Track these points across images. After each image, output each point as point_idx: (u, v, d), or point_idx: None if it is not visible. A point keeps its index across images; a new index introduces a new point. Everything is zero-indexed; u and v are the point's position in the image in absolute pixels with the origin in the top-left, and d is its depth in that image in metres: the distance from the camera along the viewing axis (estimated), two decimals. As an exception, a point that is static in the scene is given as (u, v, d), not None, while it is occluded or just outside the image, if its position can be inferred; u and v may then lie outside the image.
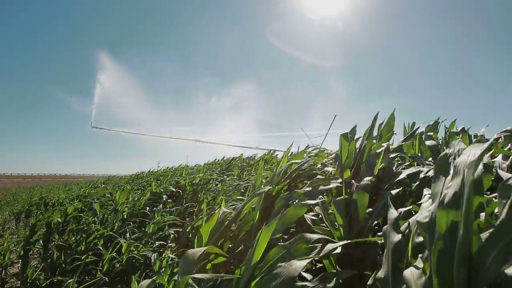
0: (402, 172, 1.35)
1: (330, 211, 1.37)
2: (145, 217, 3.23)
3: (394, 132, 1.92)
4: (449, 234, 0.55)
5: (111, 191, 5.07)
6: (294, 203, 1.41)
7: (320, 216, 1.40)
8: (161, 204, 3.44)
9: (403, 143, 1.89)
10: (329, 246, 0.98)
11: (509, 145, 1.76)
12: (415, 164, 1.78)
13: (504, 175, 1.04)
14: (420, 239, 0.74)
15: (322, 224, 1.39)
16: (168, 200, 3.78)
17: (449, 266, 0.54)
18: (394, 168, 1.62)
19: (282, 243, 1.06)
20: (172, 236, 2.61)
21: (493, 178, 1.16)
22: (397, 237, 0.75)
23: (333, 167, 2.03)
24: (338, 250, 0.97)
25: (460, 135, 2.01)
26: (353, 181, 1.43)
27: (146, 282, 1.17)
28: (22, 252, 2.74)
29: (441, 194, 0.61)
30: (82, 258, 2.47)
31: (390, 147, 1.78)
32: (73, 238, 3.00)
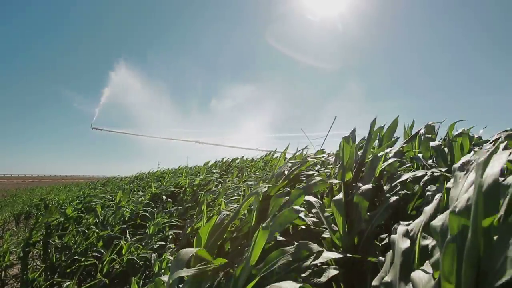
0: (404, 175, 1.35)
1: (328, 213, 1.37)
2: (145, 218, 3.22)
3: (397, 137, 1.95)
4: (459, 237, 0.55)
5: (111, 193, 5.07)
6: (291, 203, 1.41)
7: (317, 217, 1.40)
8: (161, 206, 3.44)
9: (404, 145, 1.89)
10: (326, 254, 0.98)
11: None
12: (416, 165, 1.78)
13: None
14: (426, 242, 0.74)
15: (322, 226, 1.38)
16: (169, 201, 3.78)
17: (458, 270, 0.54)
18: (395, 170, 1.62)
19: (284, 248, 1.05)
20: (171, 237, 2.61)
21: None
22: (406, 243, 0.75)
23: (332, 169, 2.03)
24: (335, 256, 0.97)
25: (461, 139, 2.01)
26: (357, 183, 1.43)
27: None
28: (22, 254, 2.73)
29: (456, 199, 0.62)
30: (82, 259, 2.46)
31: (392, 149, 1.78)
32: (73, 239, 2.99)
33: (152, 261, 1.87)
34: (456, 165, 0.74)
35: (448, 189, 0.75)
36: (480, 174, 0.53)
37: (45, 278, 2.55)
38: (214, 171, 5.44)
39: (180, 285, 1.18)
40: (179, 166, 7.44)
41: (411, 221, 0.86)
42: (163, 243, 2.51)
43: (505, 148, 0.62)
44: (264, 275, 0.97)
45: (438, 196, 1.02)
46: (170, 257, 1.81)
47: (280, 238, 1.28)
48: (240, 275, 1.02)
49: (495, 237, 0.52)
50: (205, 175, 4.72)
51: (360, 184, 1.40)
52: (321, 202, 1.55)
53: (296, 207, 1.19)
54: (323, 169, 2.25)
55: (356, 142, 1.81)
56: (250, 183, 2.93)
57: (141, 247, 2.39)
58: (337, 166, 1.90)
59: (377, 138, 2.21)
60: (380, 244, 1.21)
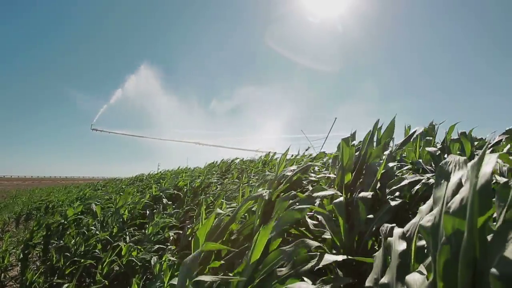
0: (404, 179, 1.35)
1: (328, 216, 1.37)
2: (145, 219, 3.22)
3: (393, 137, 1.93)
4: (454, 238, 0.55)
5: (111, 194, 5.07)
6: (296, 204, 1.41)
7: (319, 219, 1.40)
8: (161, 207, 3.44)
9: (403, 147, 1.89)
10: (328, 257, 0.98)
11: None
12: (415, 168, 1.78)
13: (501, 180, 1.04)
14: (422, 243, 0.75)
15: (322, 228, 1.38)
16: (169, 203, 3.78)
17: (454, 270, 0.54)
18: (395, 173, 1.62)
19: (282, 247, 1.06)
20: (172, 239, 2.61)
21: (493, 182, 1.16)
22: (402, 245, 0.75)
23: (332, 170, 2.03)
24: (339, 259, 0.98)
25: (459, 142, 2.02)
26: (357, 185, 1.43)
27: None
28: (21, 255, 2.73)
29: (443, 200, 0.62)
30: (82, 261, 2.46)
31: (391, 152, 1.78)
32: (73, 241, 2.99)
33: (153, 263, 1.87)
34: (441, 164, 0.73)
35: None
36: (475, 174, 0.54)
37: (44, 280, 2.55)
38: (214, 172, 5.44)
39: None
40: (179, 167, 7.45)
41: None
42: (164, 244, 2.51)
43: (494, 151, 0.62)
44: (264, 277, 0.97)
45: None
46: (172, 258, 1.81)
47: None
48: (241, 274, 1.02)
49: (489, 237, 0.52)
50: (205, 176, 4.73)
51: (360, 186, 1.41)
52: (320, 203, 1.55)
53: (301, 206, 1.20)
54: (324, 170, 2.25)
55: (356, 143, 1.81)
56: (251, 184, 2.93)
57: (141, 249, 2.38)
58: (337, 168, 1.90)
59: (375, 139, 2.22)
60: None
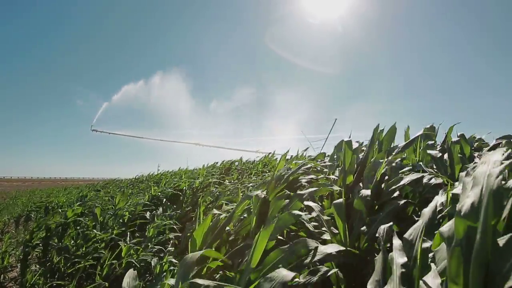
0: (404, 178, 1.35)
1: (328, 217, 1.37)
2: (145, 221, 3.22)
3: (395, 143, 1.97)
4: (466, 240, 0.56)
5: (111, 195, 5.07)
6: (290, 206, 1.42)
7: (318, 220, 1.40)
8: (161, 208, 3.44)
9: (404, 149, 1.90)
10: (322, 249, 0.98)
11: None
12: (415, 170, 1.78)
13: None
14: (426, 245, 0.75)
15: (323, 228, 1.38)
16: (168, 204, 3.77)
17: (466, 272, 0.54)
18: (395, 174, 1.62)
19: (281, 247, 1.06)
20: (172, 240, 2.61)
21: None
22: (403, 259, 0.75)
23: (332, 172, 2.03)
24: (333, 251, 0.98)
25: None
26: (358, 187, 1.44)
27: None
28: (21, 256, 2.73)
29: (460, 204, 0.63)
30: (82, 262, 2.46)
31: (392, 153, 1.78)
32: (73, 242, 2.99)
33: (153, 264, 1.87)
34: (463, 173, 0.78)
35: (452, 194, 0.76)
36: (487, 179, 0.55)
37: (44, 281, 2.54)
38: (214, 173, 5.44)
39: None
40: (179, 168, 7.43)
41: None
42: (163, 246, 2.51)
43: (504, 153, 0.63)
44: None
45: (436, 198, 1.03)
46: (173, 260, 1.80)
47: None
48: (241, 278, 1.02)
49: (499, 240, 0.53)
50: (204, 177, 4.72)
51: (361, 187, 1.41)
52: (320, 204, 1.55)
53: (295, 212, 1.20)
54: (323, 171, 2.25)
55: (358, 145, 1.82)
56: (250, 185, 2.93)
57: (141, 250, 2.38)
58: (337, 169, 1.90)
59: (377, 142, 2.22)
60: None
